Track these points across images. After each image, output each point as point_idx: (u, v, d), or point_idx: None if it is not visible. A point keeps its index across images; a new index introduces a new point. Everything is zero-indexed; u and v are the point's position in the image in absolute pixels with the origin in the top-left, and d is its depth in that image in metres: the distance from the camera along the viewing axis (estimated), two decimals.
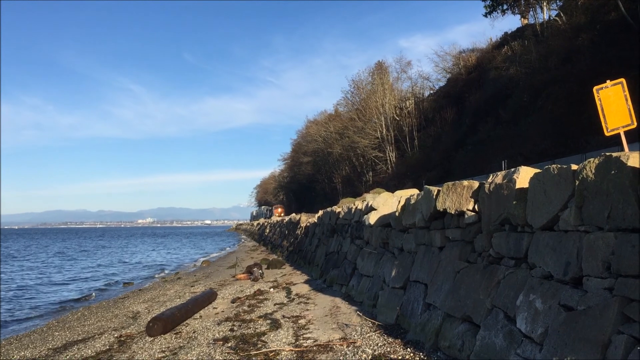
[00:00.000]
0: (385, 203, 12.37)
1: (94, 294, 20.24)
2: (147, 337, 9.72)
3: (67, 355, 8.99)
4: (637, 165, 4.17)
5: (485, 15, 42.95)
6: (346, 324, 9.39)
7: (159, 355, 8.24)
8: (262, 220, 79.19)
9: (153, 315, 11.01)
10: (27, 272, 30.41)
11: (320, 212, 22.34)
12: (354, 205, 15.36)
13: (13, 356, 9.42)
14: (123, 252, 52.99)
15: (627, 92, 6.38)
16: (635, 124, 6.50)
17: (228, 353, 7.94)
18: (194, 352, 8.15)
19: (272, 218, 34.11)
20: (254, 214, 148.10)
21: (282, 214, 74.60)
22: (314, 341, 8.30)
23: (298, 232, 27.84)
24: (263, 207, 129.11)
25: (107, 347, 9.33)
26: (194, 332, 9.82)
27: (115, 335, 10.34)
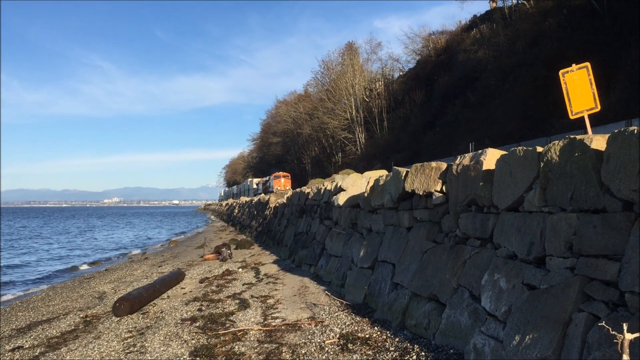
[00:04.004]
0: (354, 184, 12.42)
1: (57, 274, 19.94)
2: (113, 317, 9.64)
3: (32, 336, 8.86)
4: (600, 148, 4.26)
5: None
6: (314, 304, 9.46)
7: (126, 335, 8.18)
8: (230, 201, 78.10)
9: (120, 296, 10.91)
10: None
11: (290, 193, 22.33)
12: (323, 186, 15.39)
13: None
14: (87, 231, 52.25)
15: (591, 76, 6.50)
16: (599, 107, 6.64)
17: (196, 333, 7.92)
18: (161, 332, 8.11)
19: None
20: (222, 194, 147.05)
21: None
22: (283, 320, 8.34)
23: (267, 212, 27.81)
24: (234, 187, 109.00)
25: (73, 327, 9.23)
26: (161, 312, 9.77)
27: (81, 316, 10.22)
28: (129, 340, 7.89)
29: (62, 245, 35.19)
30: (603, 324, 3.69)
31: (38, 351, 7.74)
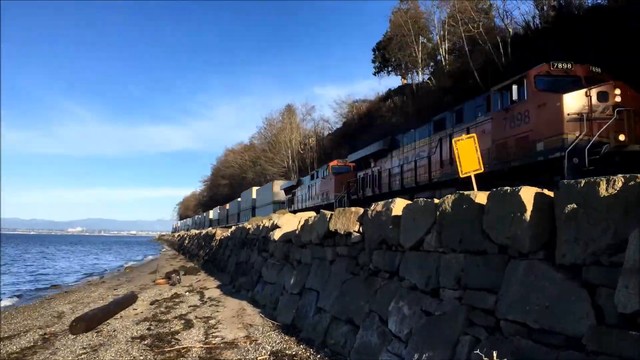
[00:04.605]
0: (288, 222, 12.36)
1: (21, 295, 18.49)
2: (70, 335, 9.00)
3: None
4: (482, 202, 4.47)
5: (374, 74, 45.48)
6: (250, 324, 9.22)
7: (80, 352, 7.65)
8: (182, 232, 75.82)
9: (77, 315, 10.24)
10: None
11: (233, 228, 21.94)
12: (262, 222, 15.24)
13: None
14: (52, 257, 49.07)
15: (477, 144, 6.87)
16: (482, 169, 7.00)
17: (144, 350, 7.52)
18: (113, 349, 7.64)
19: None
20: (175, 226, 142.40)
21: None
22: (222, 339, 8.07)
23: (213, 243, 27.13)
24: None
25: (32, 344, 8.54)
26: (114, 331, 9.23)
27: (40, 333, 9.49)
28: (83, 356, 7.38)
29: (28, 269, 32.81)
30: (478, 351, 3.80)
31: None
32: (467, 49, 26.87)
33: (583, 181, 3.44)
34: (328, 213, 8.28)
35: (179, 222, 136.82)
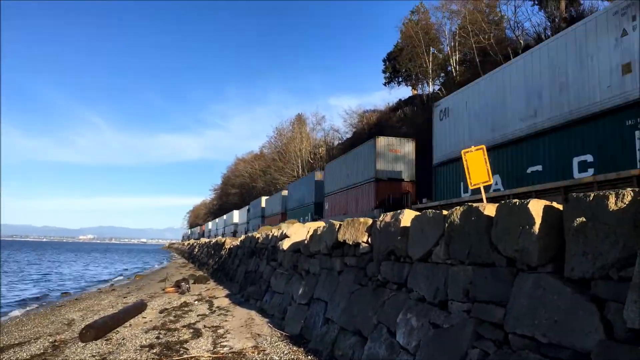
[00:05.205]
0: (296, 232, 12.39)
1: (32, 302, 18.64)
2: (79, 343, 9.05)
3: (4, 357, 8.20)
4: (491, 214, 4.46)
5: (385, 85, 45.62)
6: (258, 334, 9.21)
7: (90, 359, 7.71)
8: (192, 241, 76.10)
9: (87, 323, 10.31)
10: None
11: (243, 237, 22.01)
12: (271, 232, 15.27)
13: None
14: (64, 264, 49.44)
15: (486, 156, 6.85)
16: (492, 181, 6.97)
17: (153, 358, 7.54)
18: (122, 358, 7.67)
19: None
20: (185, 234, 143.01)
21: None
22: (230, 349, 8.07)
23: (223, 252, 27.19)
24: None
25: (42, 351, 8.60)
26: (123, 339, 9.27)
27: (50, 340, 9.55)
28: None
29: (40, 275, 33.08)
30: None
31: None
32: (477, 60, 26.86)
33: (592, 194, 3.43)
34: (337, 223, 8.29)
35: (188, 231, 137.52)
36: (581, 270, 3.41)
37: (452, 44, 34.70)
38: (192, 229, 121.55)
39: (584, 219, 3.43)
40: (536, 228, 3.80)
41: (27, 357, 8.20)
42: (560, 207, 3.83)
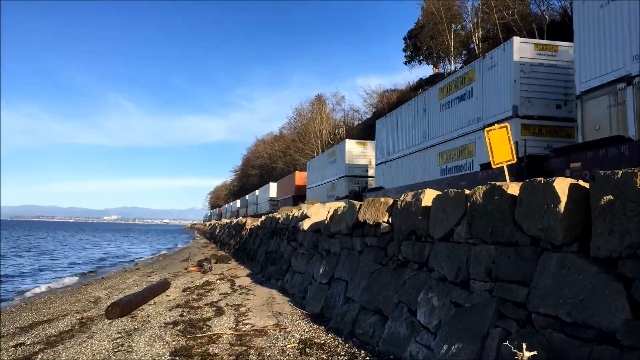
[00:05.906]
0: (317, 212, 12.43)
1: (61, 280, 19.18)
2: (106, 320, 9.31)
3: (33, 334, 8.48)
4: (515, 193, 4.39)
5: (405, 63, 44.91)
6: (280, 313, 9.33)
7: (116, 336, 7.91)
8: (213, 221, 76.94)
9: (112, 301, 10.57)
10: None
11: (263, 217, 22.18)
12: (292, 212, 15.35)
13: None
14: (88, 244, 50.65)
15: (509, 134, 6.71)
16: (515, 159, 6.84)
17: (177, 335, 7.71)
18: (146, 334, 7.87)
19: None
20: (207, 215, 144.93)
21: None
22: (252, 326, 8.20)
23: (244, 232, 27.49)
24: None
25: (70, 328, 8.87)
26: (148, 317, 9.49)
27: (77, 317, 9.84)
28: (118, 340, 7.62)
29: (67, 255, 33.99)
30: (507, 343, 3.75)
31: (38, 348, 7.41)
32: (501, 36, 26.25)
33: (620, 172, 3.34)
34: (357, 203, 8.28)
35: (207, 211, 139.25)
36: (608, 249, 3.35)
37: (475, 20, 33.94)
38: (212, 210, 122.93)
39: (612, 197, 3.36)
40: (561, 207, 3.73)
41: (56, 333, 8.47)
42: (587, 185, 3.74)
